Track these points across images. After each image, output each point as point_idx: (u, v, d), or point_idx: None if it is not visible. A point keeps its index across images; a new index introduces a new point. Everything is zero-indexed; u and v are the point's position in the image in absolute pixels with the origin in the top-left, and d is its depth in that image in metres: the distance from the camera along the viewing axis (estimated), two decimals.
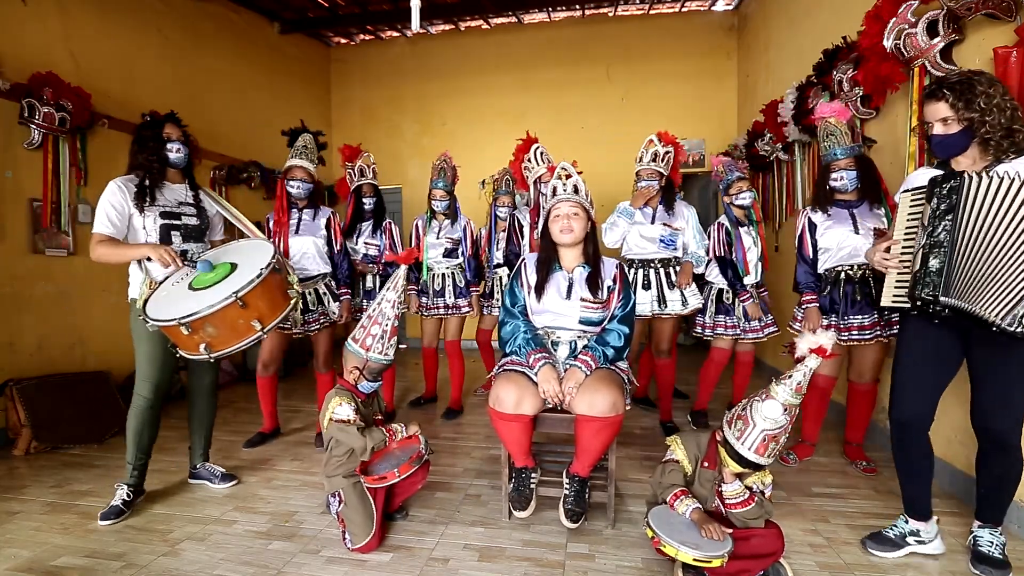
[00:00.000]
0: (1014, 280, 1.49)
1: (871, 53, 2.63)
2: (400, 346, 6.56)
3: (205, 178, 4.60)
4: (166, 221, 2.25)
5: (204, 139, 4.47)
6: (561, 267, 2.14)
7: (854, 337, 2.43)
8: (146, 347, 2.18)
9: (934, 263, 1.60)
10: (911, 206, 1.73)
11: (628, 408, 1.99)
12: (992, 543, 1.73)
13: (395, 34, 6.22)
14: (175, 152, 2.29)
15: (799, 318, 2.58)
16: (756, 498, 1.63)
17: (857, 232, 2.40)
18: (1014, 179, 1.48)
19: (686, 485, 1.74)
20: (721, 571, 1.52)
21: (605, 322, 2.09)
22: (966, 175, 1.56)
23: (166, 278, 2.13)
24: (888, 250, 1.75)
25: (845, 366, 2.64)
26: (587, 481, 2.02)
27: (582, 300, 2.06)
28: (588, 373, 1.94)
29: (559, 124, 5.85)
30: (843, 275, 2.46)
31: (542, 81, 5.99)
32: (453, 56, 6.18)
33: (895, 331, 2.36)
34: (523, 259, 2.23)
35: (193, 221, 2.34)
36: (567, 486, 2.00)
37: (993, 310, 1.51)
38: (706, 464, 1.71)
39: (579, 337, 2.09)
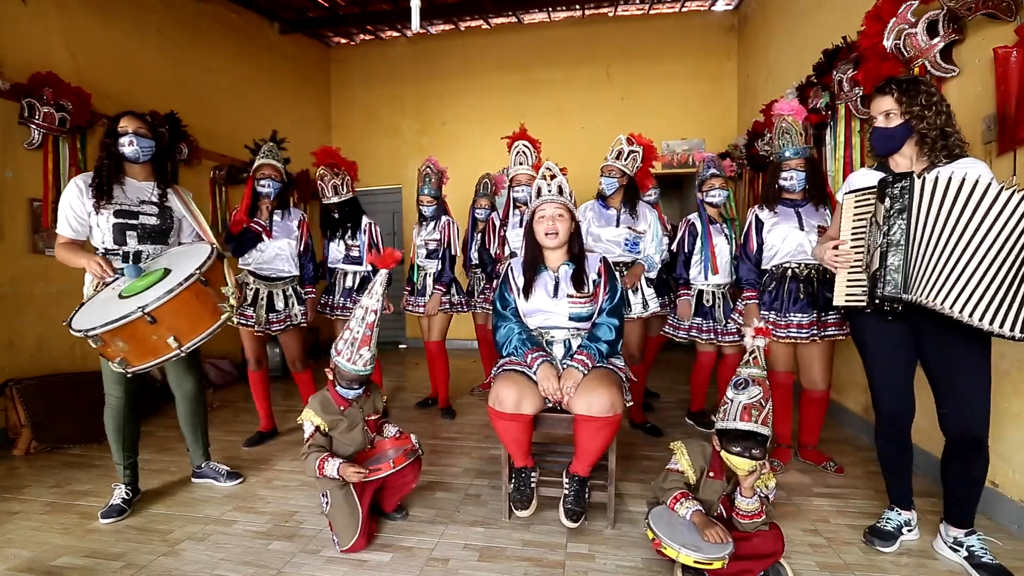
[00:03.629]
0: (969, 274, 1.53)
1: (871, 53, 2.63)
2: (400, 346, 6.56)
3: (205, 178, 4.60)
4: (120, 220, 2.13)
5: (204, 139, 4.49)
6: (547, 267, 2.14)
7: (792, 334, 2.44)
8: None
9: (893, 261, 1.64)
10: (857, 206, 1.78)
11: (629, 404, 1.99)
12: (985, 549, 1.74)
13: (395, 34, 6.22)
14: (127, 146, 2.13)
15: (739, 309, 2.62)
16: (764, 507, 1.64)
17: (802, 229, 2.45)
18: (964, 178, 1.55)
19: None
20: (722, 572, 1.52)
21: (595, 316, 2.09)
22: (915, 175, 1.62)
23: (114, 279, 2.03)
24: (836, 249, 1.80)
25: (797, 369, 2.64)
26: (587, 481, 2.02)
27: (569, 297, 2.06)
28: (585, 372, 1.94)
29: (559, 124, 5.85)
30: (789, 272, 2.48)
31: (542, 81, 6.00)
32: (453, 56, 6.18)
33: (830, 332, 2.42)
34: (509, 263, 2.23)
35: (152, 221, 2.20)
36: (567, 486, 2.00)
37: (953, 305, 1.54)
38: (711, 474, 1.71)
39: (572, 335, 2.09)
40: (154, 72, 4.16)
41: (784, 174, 2.48)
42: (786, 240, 2.48)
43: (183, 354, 1.88)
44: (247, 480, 2.53)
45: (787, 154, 2.46)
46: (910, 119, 1.71)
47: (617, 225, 2.97)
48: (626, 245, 2.96)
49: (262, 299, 2.89)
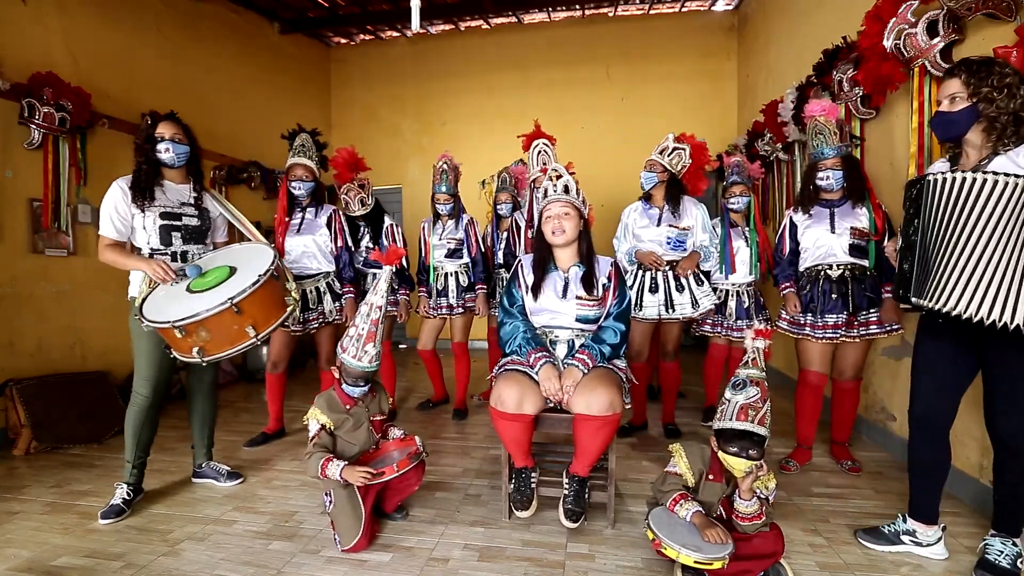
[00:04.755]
0: (976, 272, 1.50)
1: (871, 53, 2.64)
2: (400, 346, 6.56)
3: (205, 178, 4.58)
4: (166, 222, 2.23)
5: (204, 139, 4.42)
6: (556, 267, 2.15)
7: (829, 335, 2.45)
8: (144, 346, 2.18)
9: (905, 266, 1.63)
10: None
11: (628, 407, 1.99)
12: (1002, 552, 1.69)
13: (395, 34, 6.22)
14: (164, 152, 2.22)
15: (783, 316, 2.62)
16: (764, 508, 1.63)
17: (833, 231, 2.43)
18: (965, 178, 1.50)
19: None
20: (722, 572, 1.52)
21: (601, 319, 2.09)
22: (929, 177, 1.58)
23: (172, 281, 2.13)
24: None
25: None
26: (587, 481, 2.02)
27: (578, 298, 2.07)
28: (585, 371, 1.94)
29: (559, 124, 5.82)
30: (823, 274, 2.48)
31: (542, 81, 5.99)
32: (453, 56, 6.18)
33: (872, 331, 2.41)
34: (519, 260, 2.24)
35: (194, 222, 2.32)
36: (567, 486, 2.00)
37: (960, 304, 1.51)
38: (711, 477, 1.71)
39: (577, 336, 2.10)
40: (154, 72, 4.16)
41: (820, 174, 2.44)
42: (816, 243, 2.48)
43: (259, 342, 2.00)
44: (247, 480, 2.53)
45: (825, 152, 2.42)
46: (977, 102, 1.59)
47: (658, 224, 2.94)
48: (669, 244, 2.92)
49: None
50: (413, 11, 2.68)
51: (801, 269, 2.58)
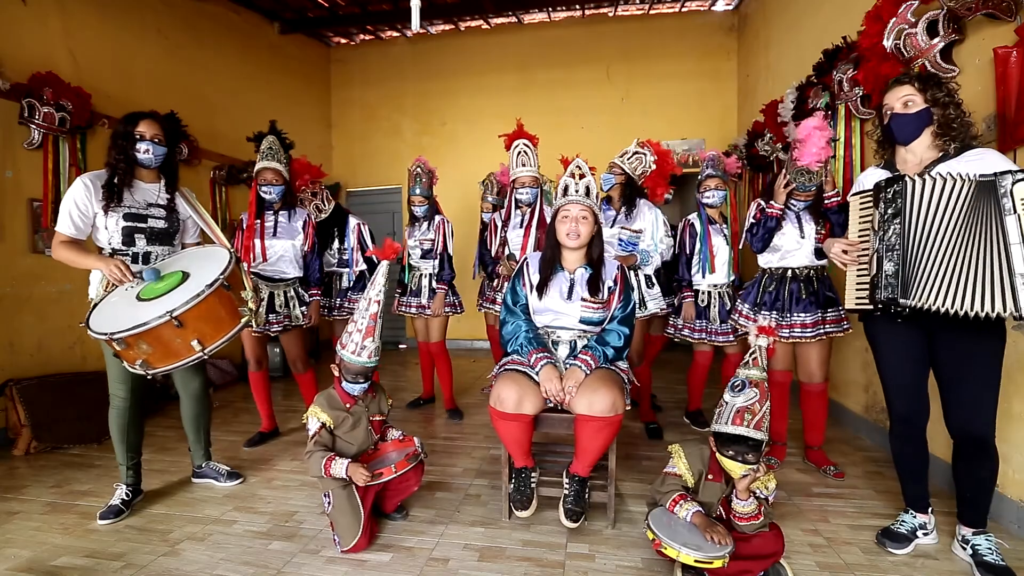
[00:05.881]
0: (965, 271, 1.54)
1: (871, 53, 2.64)
2: (400, 346, 6.56)
3: (205, 178, 4.60)
4: (129, 223, 2.13)
5: (204, 139, 4.49)
6: (563, 267, 2.14)
7: (796, 334, 2.45)
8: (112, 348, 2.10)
9: (889, 266, 1.64)
10: (861, 209, 1.79)
11: (628, 408, 1.99)
12: (991, 549, 1.73)
13: (395, 34, 6.22)
14: (143, 152, 2.14)
15: (738, 308, 2.66)
16: (763, 508, 1.63)
17: (802, 235, 2.47)
18: (950, 178, 1.55)
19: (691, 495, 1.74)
20: (722, 572, 1.52)
21: (605, 322, 2.09)
22: (907, 178, 1.61)
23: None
24: (845, 250, 1.81)
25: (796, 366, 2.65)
26: (587, 481, 2.02)
27: (583, 300, 2.06)
28: (588, 372, 1.94)
29: (559, 124, 5.84)
30: (789, 273, 2.51)
31: (542, 81, 5.99)
32: (453, 56, 6.18)
33: (828, 330, 2.43)
34: (526, 257, 2.24)
35: (160, 224, 2.21)
36: (567, 486, 2.00)
37: (953, 303, 1.54)
38: (710, 477, 1.71)
39: (579, 337, 2.09)
40: (154, 72, 4.16)
41: (793, 201, 2.49)
42: (786, 246, 2.50)
43: (206, 356, 1.89)
44: (247, 480, 2.53)
45: (805, 187, 2.42)
46: (931, 107, 1.69)
47: (611, 226, 2.96)
48: (620, 244, 2.94)
49: (263, 300, 2.89)
50: (413, 11, 2.68)
51: (766, 267, 2.58)
